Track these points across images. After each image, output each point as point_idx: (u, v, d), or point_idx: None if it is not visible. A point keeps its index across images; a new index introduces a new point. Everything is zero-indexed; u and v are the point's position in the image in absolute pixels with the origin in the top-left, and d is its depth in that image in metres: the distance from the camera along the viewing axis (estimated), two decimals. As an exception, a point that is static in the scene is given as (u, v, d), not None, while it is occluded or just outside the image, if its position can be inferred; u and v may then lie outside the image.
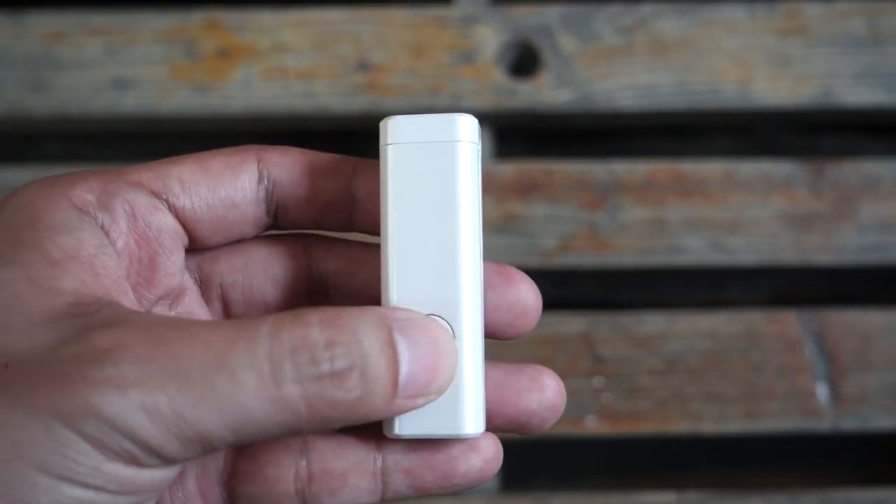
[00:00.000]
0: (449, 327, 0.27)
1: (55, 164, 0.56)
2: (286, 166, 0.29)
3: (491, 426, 0.28)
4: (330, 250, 0.30)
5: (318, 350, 0.24)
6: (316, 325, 0.24)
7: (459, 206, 0.27)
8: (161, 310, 0.29)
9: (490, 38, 0.53)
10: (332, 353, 0.24)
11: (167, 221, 0.28)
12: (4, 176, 0.53)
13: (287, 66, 0.53)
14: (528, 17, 0.53)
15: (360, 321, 0.25)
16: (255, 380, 0.24)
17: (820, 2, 0.53)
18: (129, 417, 0.23)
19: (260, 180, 0.29)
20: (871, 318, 0.52)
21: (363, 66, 0.53)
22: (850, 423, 0.51)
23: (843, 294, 0.55)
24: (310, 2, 0.54)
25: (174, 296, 0.29)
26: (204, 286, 0.30)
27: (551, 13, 0.53)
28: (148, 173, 0.28)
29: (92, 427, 0.23)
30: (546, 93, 0.53)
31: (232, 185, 0.29)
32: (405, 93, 0.53)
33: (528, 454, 0.54)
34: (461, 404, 0.27)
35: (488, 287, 0.28)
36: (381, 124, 0.28)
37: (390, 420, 0.27)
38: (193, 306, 0.29)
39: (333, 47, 0.53)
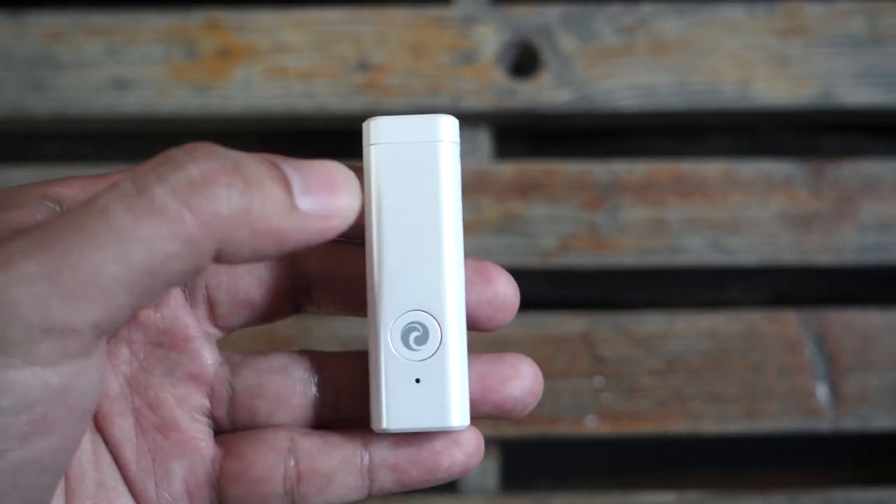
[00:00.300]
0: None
1: (55, 164, 0.56)
2: None
3: (478, 413, 0.29)
4: (312, 250, 0.30)
5: (180, 158, 0.24)
6: (179, 150, 0.24)
7: (442, 204, 0.28)
8: (146, 313, 0.29)
9: (490, 38, 0.53)
10: (194, 156, 0.24)
11: None
12: (4, 176, 0.53)
13: (287, 66, 0.53)
14: (528, 17, 0.53)
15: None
16: (124, 202, 0.23)
17: (820, 2, 0.53)
18: (16, 296, 0.22)
19: None
20: (871, 318, 0.52)
21: (363, 66, 0.53)
22: (850, 423, 0.51)
23: (843, 294, 0.55)
24: (310, 2, 0.54)
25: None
26: (190, 289, 0.30)
27: (551, 13, 0.53)
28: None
29: None
30: (546, 93, 0.53)
31: None
32: (405, 93, 0.53)
33: (528, 454, 0.54)
34: (447, 398, 0.28)
35: (467, 283, 0.29)
36: (364, 125, 0.29)
37: (377, 415, 0.28)
38: (178, 309, 0.29)
39: (333, 47, 0.53)
